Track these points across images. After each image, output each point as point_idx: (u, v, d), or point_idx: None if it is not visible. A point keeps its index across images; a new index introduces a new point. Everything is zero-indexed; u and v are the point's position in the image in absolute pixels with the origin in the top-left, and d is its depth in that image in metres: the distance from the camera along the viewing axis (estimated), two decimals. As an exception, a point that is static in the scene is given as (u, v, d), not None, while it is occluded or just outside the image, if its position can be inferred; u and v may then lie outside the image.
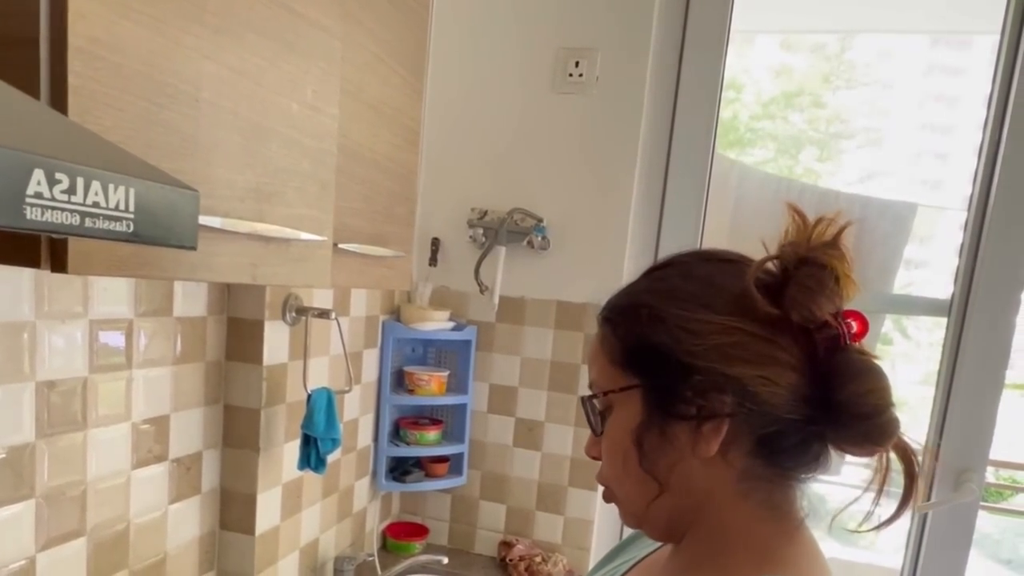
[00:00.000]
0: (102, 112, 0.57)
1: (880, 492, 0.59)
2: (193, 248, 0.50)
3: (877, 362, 0.57)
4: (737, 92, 1.84)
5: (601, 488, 0.69)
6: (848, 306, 0.58)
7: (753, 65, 1.97)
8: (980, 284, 1.64)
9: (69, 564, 1.02)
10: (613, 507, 0.69)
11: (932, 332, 2.02)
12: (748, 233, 2.10)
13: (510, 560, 1.78)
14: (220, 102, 0.68)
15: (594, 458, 0.68)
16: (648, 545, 0.78)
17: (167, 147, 0.63)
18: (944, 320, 1.76)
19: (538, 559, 1.77)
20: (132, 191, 0.44)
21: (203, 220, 0.66)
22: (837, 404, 0.55)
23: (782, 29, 2.24)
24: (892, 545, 1.79)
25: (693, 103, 1.75)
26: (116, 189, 0.43)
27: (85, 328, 1.00)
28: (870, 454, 0.57)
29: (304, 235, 0.79)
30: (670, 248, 1.82)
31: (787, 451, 0.58)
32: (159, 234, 0.47)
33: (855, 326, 0.57)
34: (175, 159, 0.64)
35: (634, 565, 0.77)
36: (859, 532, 0.62)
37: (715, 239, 1.89)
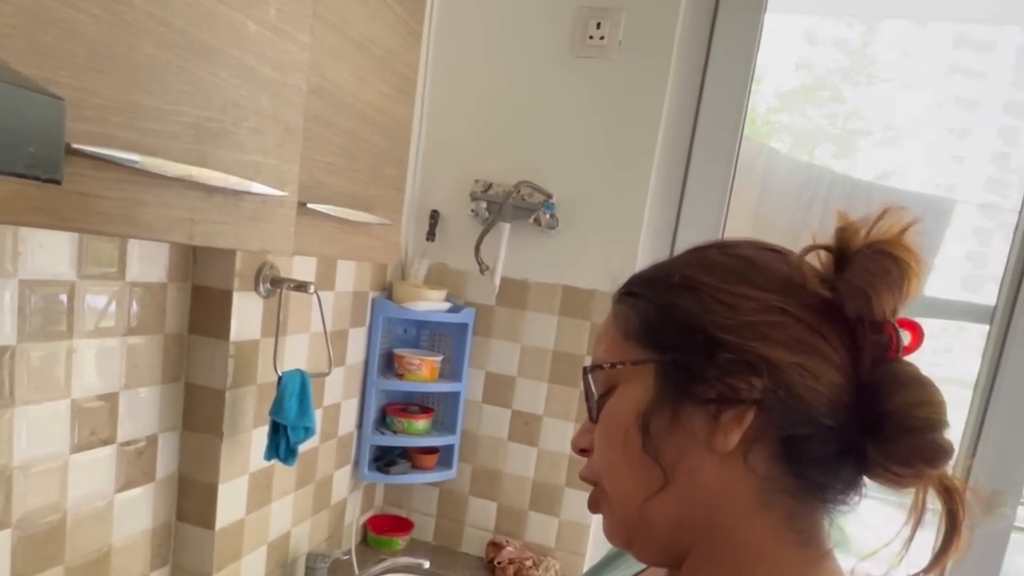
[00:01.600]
0: (-34, -3, 0.42)
1: (913, 534, 0.50)
2: (55, 181, 0.35)
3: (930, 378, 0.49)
4: (756, 83, 1.71)
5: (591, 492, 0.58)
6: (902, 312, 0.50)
7: (773, 57, 1.83)
8: (1029, 291, 1.48)
9: (-10, 558, 0.89)
10: None
11: (938, 338, 1.91)
12: (774, 222, 1.95)
13: (498, 563, 1.65)
14: (147, 7, 0.53)
15: (582, 451, 0.59)
16: (637, 565, 0.67)
17: (67, 58, 0.48)
18: (949, 325, 1.64)
19: (528, 563, 1.64)
20: (-60, 84, 0.30)
21: (119, 155, 0.52)
22: (884, 415, 0.47)
23: (810, 9, 2.09)
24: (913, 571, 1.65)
25: (724, 75, 1.59)
26: (-89, 77, 0.29)
27: (14, 288, 0.86)
28: (918, 478, 0.48)
29: (257, 187, 0.64)
30: (689, 233, 1.68)
31: (818, 463, 0.50)
32: (-6, 154, 0.32)
33: (908, 337, 0.49)
34: (78, 74, 0.49)
35: None
36: None
37: (738, 227, 1.73)
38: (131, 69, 0.53)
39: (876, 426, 0.48)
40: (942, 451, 0.47)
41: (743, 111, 1.61)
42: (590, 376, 0.56)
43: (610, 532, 0.57)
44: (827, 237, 0.53)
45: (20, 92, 0.33)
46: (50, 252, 0.90)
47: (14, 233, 0.85)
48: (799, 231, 0.56)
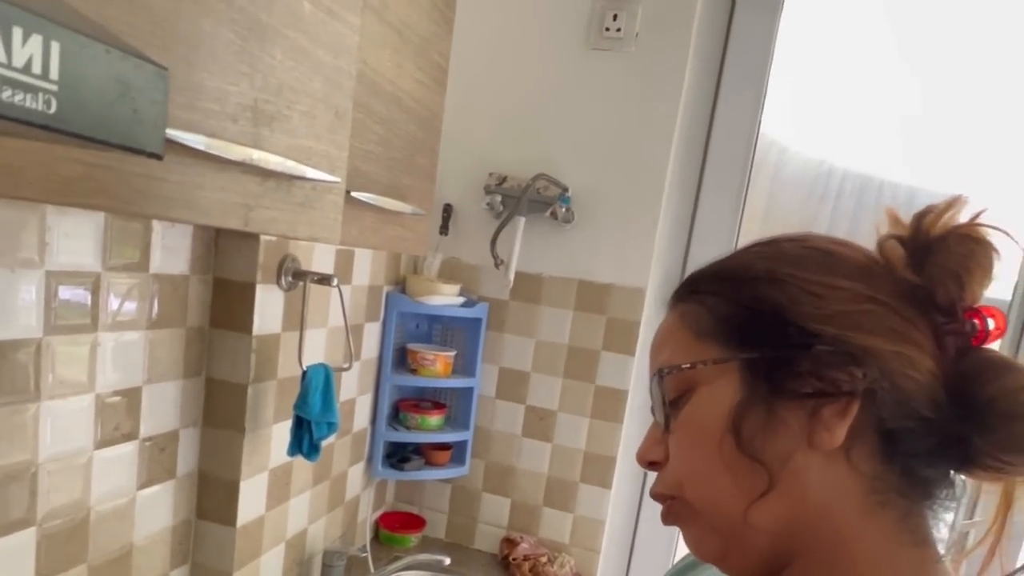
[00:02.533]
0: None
1: (1003, 529, 0.49)
2: (158, 156, 0.34)
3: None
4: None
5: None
6: None
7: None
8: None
9: (14, 558, 0.86)
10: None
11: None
12: (784, 221, 1.95)
13: (513, 559, 1.63)
14: (210, -18, 0.51)
15: (651, 464, 0.55)
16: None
17: (132, 29, 0.46)
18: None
19: (544, 559, 1.63)
20: (56, 47, 0.28)
21: (183, 137, 0.50)
22: (984, 403, 0.46)
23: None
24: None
25: (741, 69, 1.59)
26: (28, 38, 0.27)
27: (41, 280, 0.83)
28: None
29: (312, 172, 0.62)
30: (706, 228, 1.67)
31: (922, 457, 0.48)
32: (100, 124, 0.30)
33: (992, 323, 0.48)
34: (144, 50, 0.47)
35: None
36: None
37: (749, 224, 1.73)
38: (193, 46, 0.51)
39: (976, 416, 0.46)
40: None
41: (760, 106, 1.60)
42: (662, 383, 0.53)
43: (699, 545, 0.53)
44: (843, 233, 0.53)
45: (124, 57, 0.31)
46: (76, 242, 0.88)
47: (40, 223, 0.83)
48: (810, 226, 0.56)
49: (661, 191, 1.59)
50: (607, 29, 1.57)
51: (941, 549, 0.50)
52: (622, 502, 1.72)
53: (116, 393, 0.97)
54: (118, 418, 0.98)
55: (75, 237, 0.87)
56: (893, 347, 0.46)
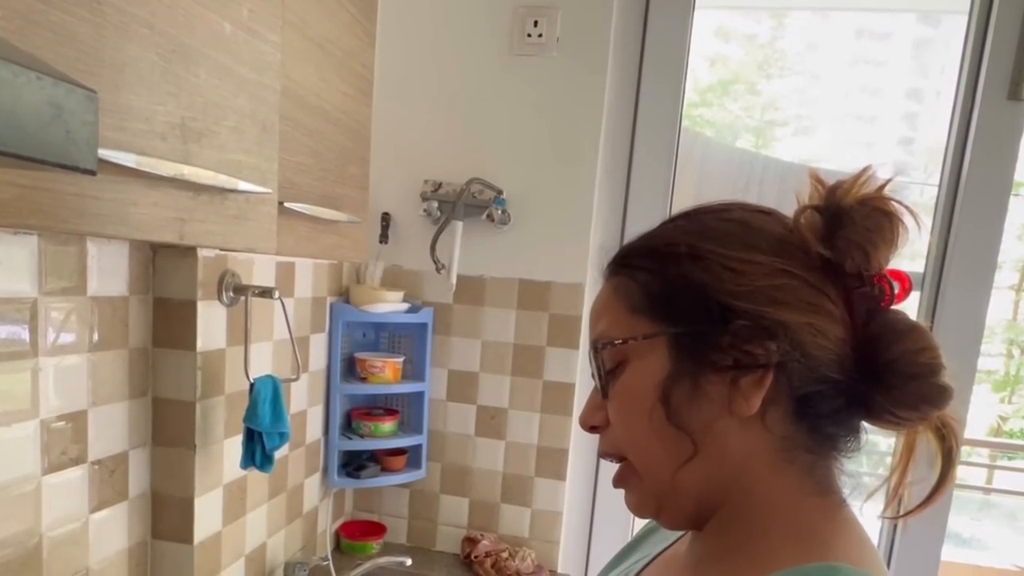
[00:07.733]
0: (-37, 1, 0.43)
1: (905, 473, 0.54)
2: (91, 172, 0.36)
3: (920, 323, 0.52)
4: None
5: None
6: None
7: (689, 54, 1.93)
8: (953, 262, 1.60)
9: (-35, 590, 0.86)
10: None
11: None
12: (713, 207, 2.03)
13: (475, 557, 1.67)
14: (130, 8, 0.54)
15: (592, 428, 0.59)
16: (663, 540, 0.69)
17: (59, 58, 0.49)
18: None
19: (505, 555, 1.66)
20: (-11, 75, 0.31)
21: (114, 156, 0.53)
22: (886, 364, 0.50)
23: (720, 4, 2.18)
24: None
25: (659, 66, 1.66)
26: (-37, 69, 0.30)
27: (-24, 309, 0.84)
28: (923, 420, 0.51)
29: (244, 185, 0.65)
30: (638, 221, 1.73)
31: (830, 417, 0.52)
32: (36, 145, 0.33)
33: (897, 286, 0.51)
34: (70, 74, 0.49)
35: (648, 563, 0.66)
36: (888, 519, 0.58)
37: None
38: (118, 70, 0.54)
39: (880, 375, 0.50)
40: (946, 392, 0.49)
41: (680, 101, 1.67)
42: (600, 356, 0.56)
43: (638, 504, 0.58)
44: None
45: (54, 83, 0.34)
46: (10, 269, 0.88)
47: (-27, 251, 0.83)
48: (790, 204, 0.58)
49: (592, 188, 1.65)
50: (529, 35, 1.62)
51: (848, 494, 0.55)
52: (577, 492, 1.78)
53: (61, 418, 0.97)
54: (64, 443, 0.98)
55: (9, 264, 0.88)
56: (804, 319, 0.50)
